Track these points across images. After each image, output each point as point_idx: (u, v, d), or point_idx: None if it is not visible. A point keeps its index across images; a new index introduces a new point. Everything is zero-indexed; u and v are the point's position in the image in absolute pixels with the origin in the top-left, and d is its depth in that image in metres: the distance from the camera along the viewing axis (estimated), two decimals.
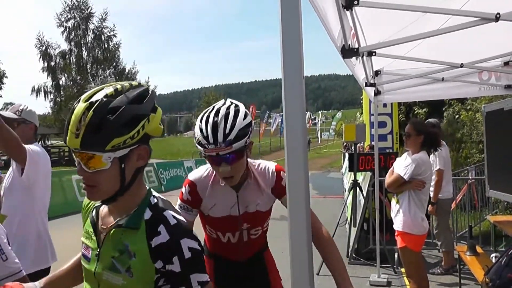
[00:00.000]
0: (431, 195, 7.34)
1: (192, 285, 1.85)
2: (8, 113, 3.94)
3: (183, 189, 3.01)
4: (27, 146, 3.72)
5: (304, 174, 1.65)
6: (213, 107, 2.76)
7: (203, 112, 2.75)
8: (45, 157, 3.97)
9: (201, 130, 2.64)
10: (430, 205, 7.38)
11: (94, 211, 2.13)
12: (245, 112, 2.73)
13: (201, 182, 2.96)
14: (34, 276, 3.64)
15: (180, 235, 1.87)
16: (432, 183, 7.22)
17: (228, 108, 2.69)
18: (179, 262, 1.83)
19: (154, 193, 2.09)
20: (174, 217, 1.93)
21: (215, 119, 2.61)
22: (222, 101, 2.84)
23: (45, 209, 4.05)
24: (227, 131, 2.56)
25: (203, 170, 3.01)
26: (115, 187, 1.89)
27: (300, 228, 1.69)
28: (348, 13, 3.25)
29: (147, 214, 1.95)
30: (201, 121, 2.67)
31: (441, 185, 7.44)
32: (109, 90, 1.87)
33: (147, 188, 2.07)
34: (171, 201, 2.27)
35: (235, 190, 2.92)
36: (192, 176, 3.02)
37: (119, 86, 1.91)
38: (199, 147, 2.67)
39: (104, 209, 2.10)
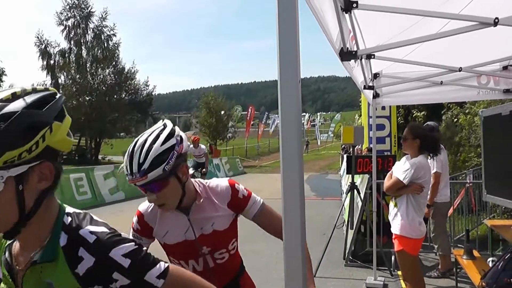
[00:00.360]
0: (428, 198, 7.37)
1: (153, 283, 1.69)
2: None
3: (133, 219, 2.90)
4: None
5: (299, 177, 1.65)
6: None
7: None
8: None
9: (124, 159, 2.53)
10: (426, 208, 7.40)
11: (7, 250, 1.80)
12: (168, 135, 2.55)
13: (148, 211, 2.84)
14: None
15: (106, 250, 1.62)
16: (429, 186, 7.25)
17: (150, 134, 2.55)
18: (123, 275, 1.63)
19: (68, 209, 1.78)
20: (92, 232, 1.65)
21: (134, 148, 2.49)
22: (161, 121, 2.73)
23: None
24: (141, 160, 2.43)
25: None
26: (13, 216, 1.56)
27: (294, 230, 1.68)
28: (347, 15, 3.26)
29: (63, 239, 1.65)
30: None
31: (438, 188, 7.45)
32: (5, 93, 1.56)
33: (59, 205, 1.76)
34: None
35: (184, 214, 2.77)
36: (141, 206, 2.90)
37: (18, 90, 1.59)
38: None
39: (16, 245, 1.78)
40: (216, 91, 62.39)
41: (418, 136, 5.49)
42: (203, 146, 16.79)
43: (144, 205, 2.88)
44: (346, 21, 3.32)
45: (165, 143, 2.49)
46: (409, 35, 4.21)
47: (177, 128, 2.66)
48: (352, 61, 4.44)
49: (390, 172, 5.87)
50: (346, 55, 3.56)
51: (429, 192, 6.22)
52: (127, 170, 2.48)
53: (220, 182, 2.88)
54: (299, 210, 1.65)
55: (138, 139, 2.53)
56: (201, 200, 2.76)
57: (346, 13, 3.15)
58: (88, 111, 46.94)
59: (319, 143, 79.34)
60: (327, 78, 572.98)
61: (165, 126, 2.62)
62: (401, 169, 5.53)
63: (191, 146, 15.91)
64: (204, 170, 17.02)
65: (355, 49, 4.00)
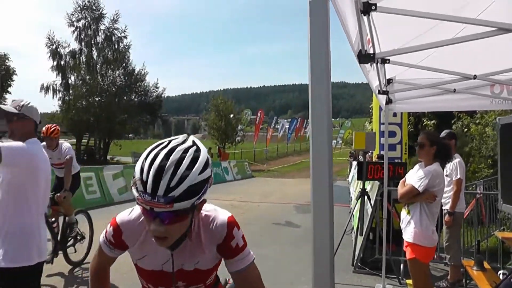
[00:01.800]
0: (448, 206, 7.26)
1: None
2: (8, 107, 4.02)
3: (108, 227, 2.41)
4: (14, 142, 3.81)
5: (329, 178, 1.62)
6: (169, 142, 2.08)
7: (155, 145, 2.08)
8: (31, 153, 3.92)
9: (141, 170, 1.95)
10: (447, 215, 7.31)
11: None
12: (207, 160, 2.05)
13: (130, 229, 2.34)
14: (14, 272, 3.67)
15: None
16: (450, 193, 7.16)
17: (186, 150, 2.01)
18: None
19: None
20: None
21: (164, 162, 1.93)
22: (183, 136, 2.14)
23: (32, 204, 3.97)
24: (172, 183, 1.89)
25: (136, 214, 2.34)
26: None
27: (323, 231, 1.64)
28: (365, 18, 3.20)
29: None
30: (146, 157, 2.00)
31: (459, 195, 7.34)
32: None
33: None
34: None
35: (169, 249, 2.26)
36: (120, 218, 2.38)
37: None
38: (133, 190, 1.97)
39: None
40: (225, 95, 62.49)
41: (435, 143, 5.42)
42: (66, 146, 8.99)
43: (124, 218, 2.38)
44: (365, 23, 3.27)
45: (202, 172, 2.00)
46: (424, 40, 4.15)
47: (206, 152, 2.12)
48: (368, 64, 4.38)
49: (403, 179, 5.80)
50: (364, 57, 3.51)
51: (441, 200, 6.13)
52: (144, 186, 1.92)
53: (218, 217, 2.35)
54: (328, 211, 1.62)
55: (168, 151, 2.00)
56: (192, 239, 2.32)
57: (364, 15, 3.10)
58: (97, 112, 47.16)
59: None
60: (337, 84, 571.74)
61: (198, 148, 2.09)
62: (415, 177, 5.45)
63: (44, 143, 8.07)
64: (59, 195, 8.19)
65: (372, 52, 3.95)
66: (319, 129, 1.60)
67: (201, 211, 2.29)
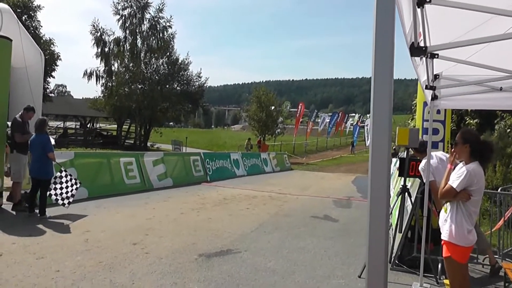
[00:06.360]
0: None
1: None
2: None
3: None
4: None
5: (387, 171, 1.60)
6: None
7: None
8: None
9: None
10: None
11: None
12: None
13: None
14: None
15: None
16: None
17: None
18: None
19: None
20: None
21: None
22: None
23: None
24: None
25: None
26: None
27: (380, 219, 1.63)
28: (419, 10, 3.14)
29: None
30: None
31: None
32: None
33: None
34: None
35: None
36: None
37: None
38: None
39: None
40: (267, 87, 62.47)
41: (468, 141, 5.32)
42: None
43: None
44: (418, 15, 3.21)
45: None
46: (476, 35, 4.05)
47: None
48: (418, 58, 4.31)
49: (444, 177, 5.69)
50: (416, 50, 3.46)
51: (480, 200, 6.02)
52: None
53: None
54: (385, 198, 1.60)
55: None
56: None
57: (418, 7, 3.04)
58: (139, 99, 47.63)
59: (367, 145, 78.74)
60: None
61: None
62: (454, 176, 5.37)
63: None
64: None
65: (423, 45, 3.88)
66: (380, 124, 1.59)
67: None
